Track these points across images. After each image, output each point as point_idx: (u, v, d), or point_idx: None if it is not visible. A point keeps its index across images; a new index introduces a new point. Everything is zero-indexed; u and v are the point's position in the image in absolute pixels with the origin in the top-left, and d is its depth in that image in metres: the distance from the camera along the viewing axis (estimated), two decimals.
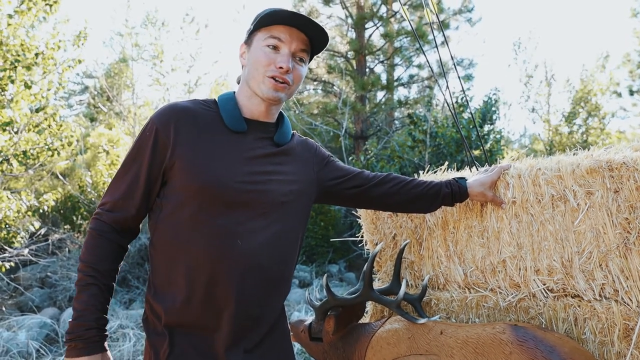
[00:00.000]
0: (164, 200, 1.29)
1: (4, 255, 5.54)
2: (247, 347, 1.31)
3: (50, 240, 6.76)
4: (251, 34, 1.37)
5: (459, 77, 1.81)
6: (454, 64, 1.92)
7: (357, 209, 2.21)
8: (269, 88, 1.32)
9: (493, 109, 8.83)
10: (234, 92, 1.42)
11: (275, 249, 1.33)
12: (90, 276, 1.24)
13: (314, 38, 1.38)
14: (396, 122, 13.16)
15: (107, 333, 1.27)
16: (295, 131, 1.55)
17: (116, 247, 1.30)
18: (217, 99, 1.39)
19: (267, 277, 1.32)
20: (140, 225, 1.37)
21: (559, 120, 13.67)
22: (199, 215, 1.25)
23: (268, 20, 1.31)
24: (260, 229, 1.30)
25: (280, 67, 1.31)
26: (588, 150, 1.60)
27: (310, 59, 1.45)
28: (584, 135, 13.05)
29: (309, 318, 1.99)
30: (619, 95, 14.56)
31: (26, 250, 5.58)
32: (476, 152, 8.21)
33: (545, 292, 1.60)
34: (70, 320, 1.23)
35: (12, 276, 6.50)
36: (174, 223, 1.27)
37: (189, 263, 1.25)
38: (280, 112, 1.47)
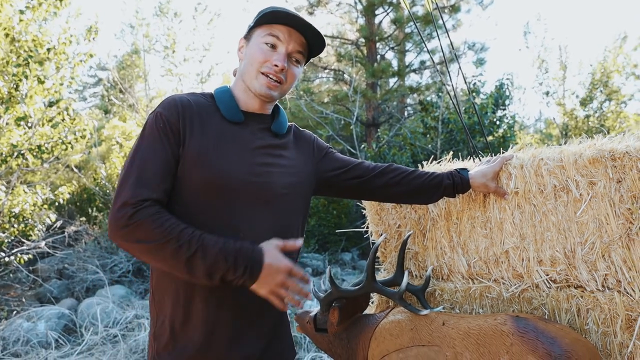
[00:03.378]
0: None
1: (22, 247, 5.66)
2: (248, 350, 1.31)
3: (66, 233, 6.90)
4: (251, 29, 1.40)
5: (460, 70, 1.79)
6: (455, 55, 1.90)
7: (362, 200, 2.22)
8: (262, 85, 1.35)
9: (506, 93, 8.71)
10: (229, 86, 1.44)
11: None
12: (191, 233, 1.14)
13: (311, 41, 1.41)
14: (408, 108, 13.06)
15: None
16: (293, 123, 1.56)
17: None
18: (213, 92, 1.41)
19: None
20: None
21: (574, 104, 13.43)
22: (201, 206, 1.26)
23: (269, 18, 1.34)
24: (262, 220, 1.31)
25: (276, 65, 1.33)
26: (606, 134, 1.59)
27: (306, 62, 1.47)
28: (601, 119, 12.81)
29: (315, 309, 2.01)
30: (637, 77, 14.25)
31: (43, 243, 5.70)
32: (490, 138, 8.13)
33: (548, 282, 1.59)
34: (209, 265, 1.12)
35: (30, 268, 6.65)
36: (176, 214, 1.26)
37: None
38: (276, 104, 1.48)
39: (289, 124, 1.52)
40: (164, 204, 1.21)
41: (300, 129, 1.58)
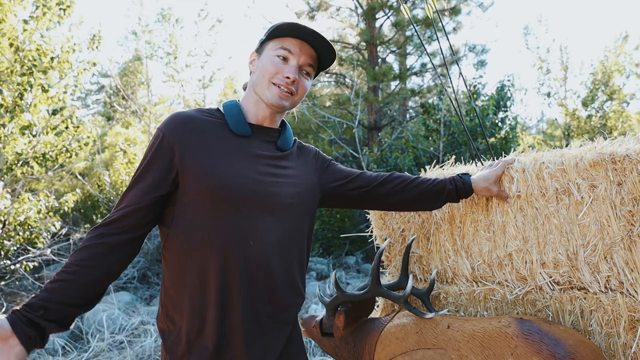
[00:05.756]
0: (175, 206, 1.31)
1: (28, 255, 5.68)
2: (263, 354, 1.33)
3: (71, 240, 6.93)
4: (263, 43, 1.43)
5: (460, 73, 1.82)
6: (456, 60, 1.93)
7: None
8: (274, 95, 1.38)
9: (507, 95, 8.72)
10: (238, 100, 1.47)
11: (284, 250, 1.36)
12: (58, 273, 1.20)
13: (322, 55, 1.45)
14: (410, 111, 13.08)
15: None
16: (295, 137, 1.59)
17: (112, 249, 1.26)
18: (221, 107, 1.44)
19: (276, 276, 1.34)
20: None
21: (575, 104, 13.43)
22: (211, 217, 1.28)
23: (281, 31, 1.38)
24: (270, 229, 1.33)
25: (287, 77, 1.37)
26: (607, 136, 1.61)
27: (316, 75, 1.51)
28: (603, 119, 12.80)
29: (321, 314, 2.03)
30: (639, 76, 14.24)
31: (49, 250, 5.71)
32: (492, 140, 8.14)
33: (552, 284, 1.61)
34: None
35: (36, 275, 6.69)
36: (187, 226, 1.29)
37: (202, 264, 1.28)
38: (283, 120, 1.52)
39: (293, 138, 1.55)
40: (124, 221, 1.27)
41: (303, 143, 1.62)
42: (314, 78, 1.52)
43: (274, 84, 1.38)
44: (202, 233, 1.28)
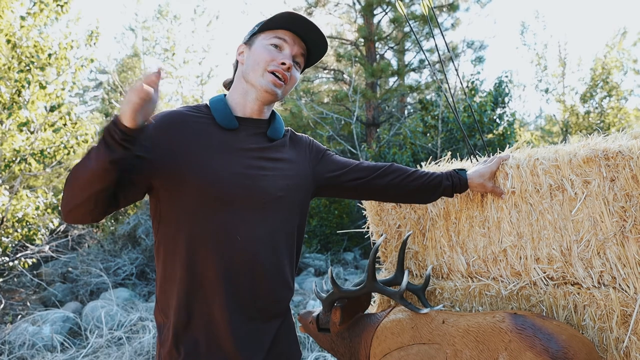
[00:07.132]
0: (163, 202, 1.31)
1: (26, 252, 5.70)
2: (252, 349, 1.33)
3: (69, 237, 6.94)
4: (253, 35, 1.44)
5: (457, 71, 1.82)
6: (452, 58, 1.93)
7: (362, 201, 2.25)
8: (269, 82, 1.38)
9: (505, 91, 8.72)
10: (225, 95, 1.47)
11: (273, 243, 1.36)
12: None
13: (312, 50, 1.48)
14: (408, 107, 13.09)
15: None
16: (289, 127, 1.58)
17: None
18: (208, 103, 1.44)
19: (264, 270, 1.34)
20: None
21: (573, 100, 13.44)
22: (199, 212, 1.28)
23: (274, 22, 1.39)
24: (259, 223, 1.33)
25: (283, 64, 1.38)
26: (601, 132, 1.62)
27: (303, 70, 1.52)
28: (601, 116, 12.81)
29: (317, 309, 2.04)
30: (637, 72, 14.26)
31: (47, 247, 5.73)
32: (490, 136, 8.15)
33: (546, 280, 1.62)
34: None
35: (34, 272, 6.70)
36: (174, 221, 1.30)
37: (189, 259, 1.29)
38: (273, 110, 1.51)
39: (285, 128, 1.54)
40: None
41: (297, 133, 1.60)
42: (302, 72, 1.53)
43: (269, 71, 1.38)
44: (189, 228, 1.29)
